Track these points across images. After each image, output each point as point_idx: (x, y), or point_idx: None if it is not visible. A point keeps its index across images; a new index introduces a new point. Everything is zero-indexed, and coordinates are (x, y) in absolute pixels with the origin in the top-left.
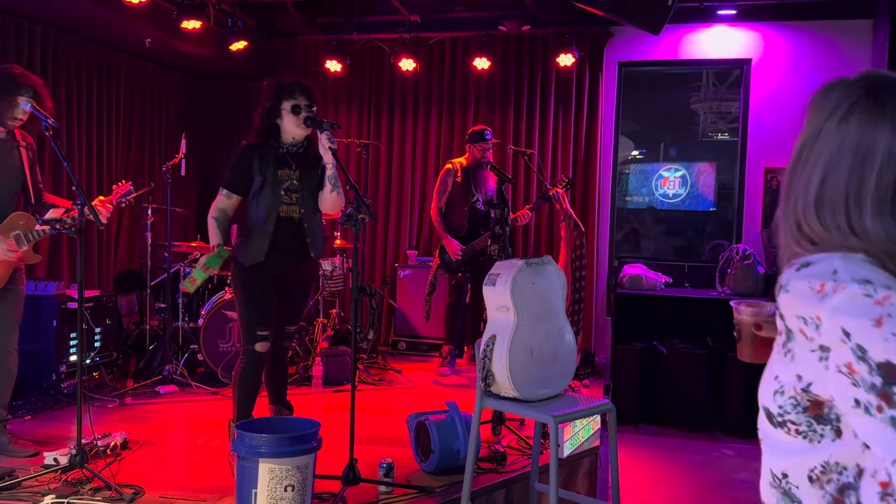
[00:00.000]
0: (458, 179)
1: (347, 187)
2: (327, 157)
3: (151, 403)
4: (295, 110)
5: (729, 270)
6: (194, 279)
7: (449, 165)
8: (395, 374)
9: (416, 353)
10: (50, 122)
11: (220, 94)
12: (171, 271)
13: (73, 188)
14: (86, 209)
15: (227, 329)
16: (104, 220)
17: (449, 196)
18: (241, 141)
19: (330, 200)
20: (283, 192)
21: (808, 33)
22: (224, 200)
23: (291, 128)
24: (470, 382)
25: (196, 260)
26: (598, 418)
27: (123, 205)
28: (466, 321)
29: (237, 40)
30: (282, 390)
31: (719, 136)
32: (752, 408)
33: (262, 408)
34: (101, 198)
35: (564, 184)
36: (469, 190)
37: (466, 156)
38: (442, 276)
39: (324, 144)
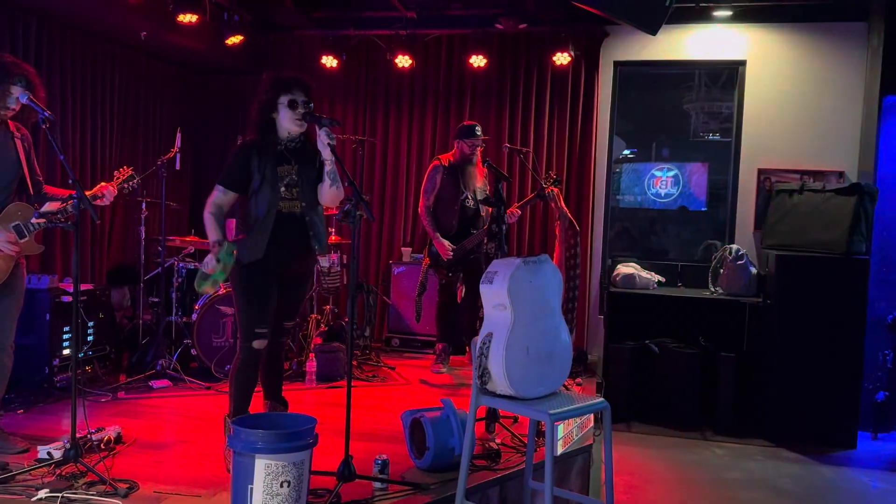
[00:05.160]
0: (446, 176)
1: (346, 183)
2: (326, 154)
3: (144, 398)
4: (291, 105)
5: (721, 270)
6: (217, 281)
7: (436, 162)
8: (388, 371)
9: (409, 349)
10: (47, 114)
11: (215, 88)
12: (165, 265)
13: (70, 181)
14: (81, 203)
15: (221, 324)
16: (108, 202)
17: (437, 194)
18: (235, 136)
19: (329, 195)
20: (283, 189)
21: (803, 36)
22: (220, 196)
23: (287, 123)
24: (464, 380)
25: (190, 255)
26: (590, 416)
27: (127, 190)
28: (462, 320)
29: (233, 34)
30: (277, 386)
31: (711, 137)
32: (744, 407)
33: (257, 403)
34: (104, 183)
35: (553, 180)
36: (458, 187)
37: (453, 151)
38: (432, 276)
39: (322, 141)
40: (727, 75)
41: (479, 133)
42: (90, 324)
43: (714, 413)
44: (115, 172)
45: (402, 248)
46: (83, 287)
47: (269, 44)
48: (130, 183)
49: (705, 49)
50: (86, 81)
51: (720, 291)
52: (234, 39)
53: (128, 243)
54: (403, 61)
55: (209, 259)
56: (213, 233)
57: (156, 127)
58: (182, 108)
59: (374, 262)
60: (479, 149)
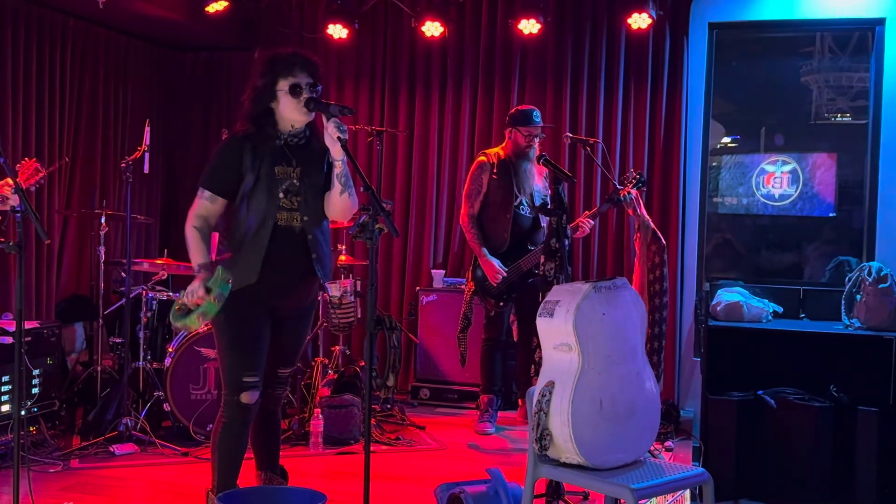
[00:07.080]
0: (496, 176)
1: (362, 189)
2: (336, 151)
3: (104, 468)
4: (294, 91)
5: (859, 296)
6: (207, 314)
7: (482, 158)
8: (416, 432)
9: (443, 403)
10: None
11: (193, 68)
12: (131, 296)
13: (13, 191)
14: (26, 217)
15: (202, 371)
16: (8, 207)
17: (484, 199)
18: (219, 129)
19: (339, 205)
20: (281, 195)
21: None
22: (206, 205)
23: (290, 113)
24: (517, 443)
25: (162, 282)
26: (686, 492)
27: (33, 188)
28: (516, 364)
29: (215, 0)
30: (273, 452)
31: (839, 119)
32: (891, 478)
33: (248, 474)
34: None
35: (635, 182)
36: (510, 190)
37: (506, 144)
38: (478, 305)
39: (331, 134)
40: (859, 38)
41: (538, 120)
42: (35, 372)
43: (851, 486)
44: (18, 167)
45: (433, 271)
46: (27, 325)
47: (261, 11)
48: (36, 178)
49: (830, 4)
50: (30, 61)
51: (857, 325)
52: (217, 6)
53: (83, 268)
54: (433, 29)
55: (195, 288)
56: (197, 254)
57: (119, 119)
58: (152, 96)
59: (396, 289)
60: (537, 140)
